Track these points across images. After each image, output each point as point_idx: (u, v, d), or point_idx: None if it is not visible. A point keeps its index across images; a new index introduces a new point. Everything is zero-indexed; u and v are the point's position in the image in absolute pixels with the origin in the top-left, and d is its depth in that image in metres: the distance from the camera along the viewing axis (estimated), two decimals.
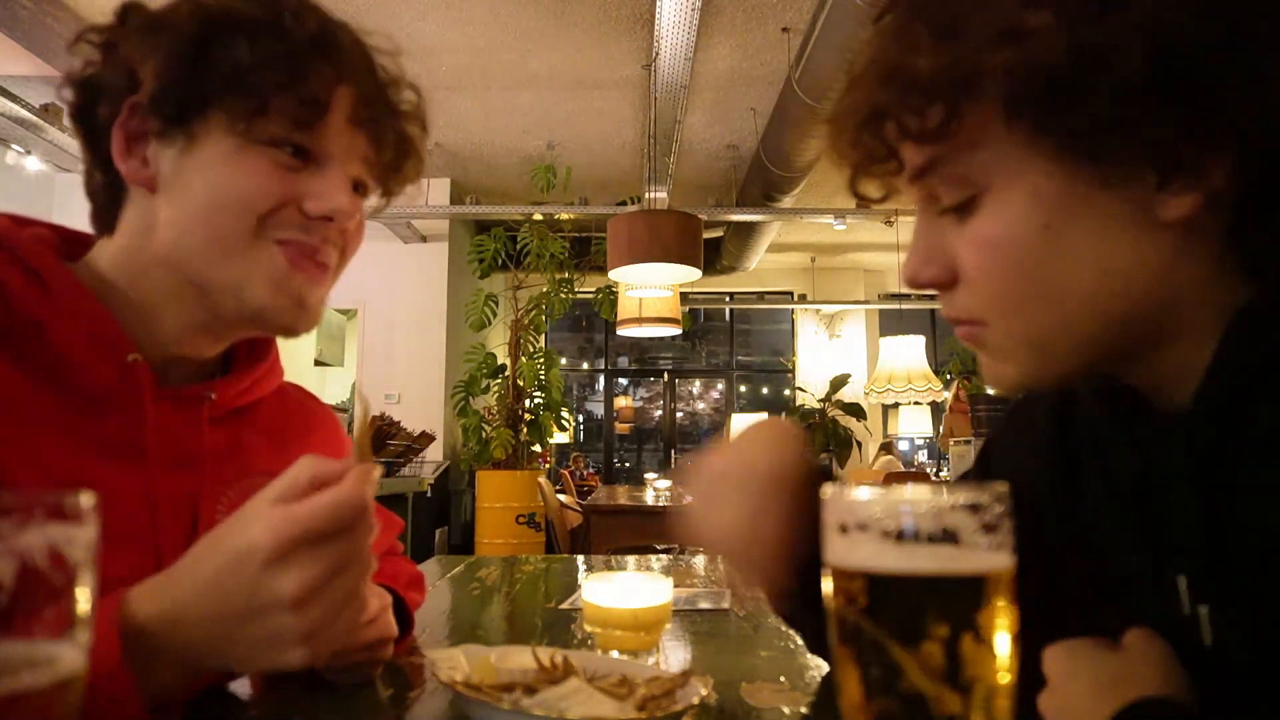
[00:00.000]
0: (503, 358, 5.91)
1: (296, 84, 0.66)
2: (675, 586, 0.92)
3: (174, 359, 0.72)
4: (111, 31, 0.68)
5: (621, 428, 10.15)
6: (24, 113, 4.25)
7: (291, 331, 0.72)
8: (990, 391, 4.37)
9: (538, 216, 5.81)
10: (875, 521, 0.38)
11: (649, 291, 4.41)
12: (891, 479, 5.75)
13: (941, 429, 5.78)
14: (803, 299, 8.52)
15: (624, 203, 5.98)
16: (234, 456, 0.75)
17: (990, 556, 0.38)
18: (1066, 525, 0.60)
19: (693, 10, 3.68)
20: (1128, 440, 0.56)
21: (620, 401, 10.09)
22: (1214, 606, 0.49)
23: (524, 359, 5.77)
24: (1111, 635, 0.54)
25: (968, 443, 4.00)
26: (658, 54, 4.09)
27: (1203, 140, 0.44)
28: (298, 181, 0.68)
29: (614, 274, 3.97)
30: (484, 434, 5.77)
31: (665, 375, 9.99)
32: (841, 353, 8.44)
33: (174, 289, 0.69)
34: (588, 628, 0.90)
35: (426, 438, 4.58)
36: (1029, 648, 0.45)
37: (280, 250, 0.68)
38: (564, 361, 8.40)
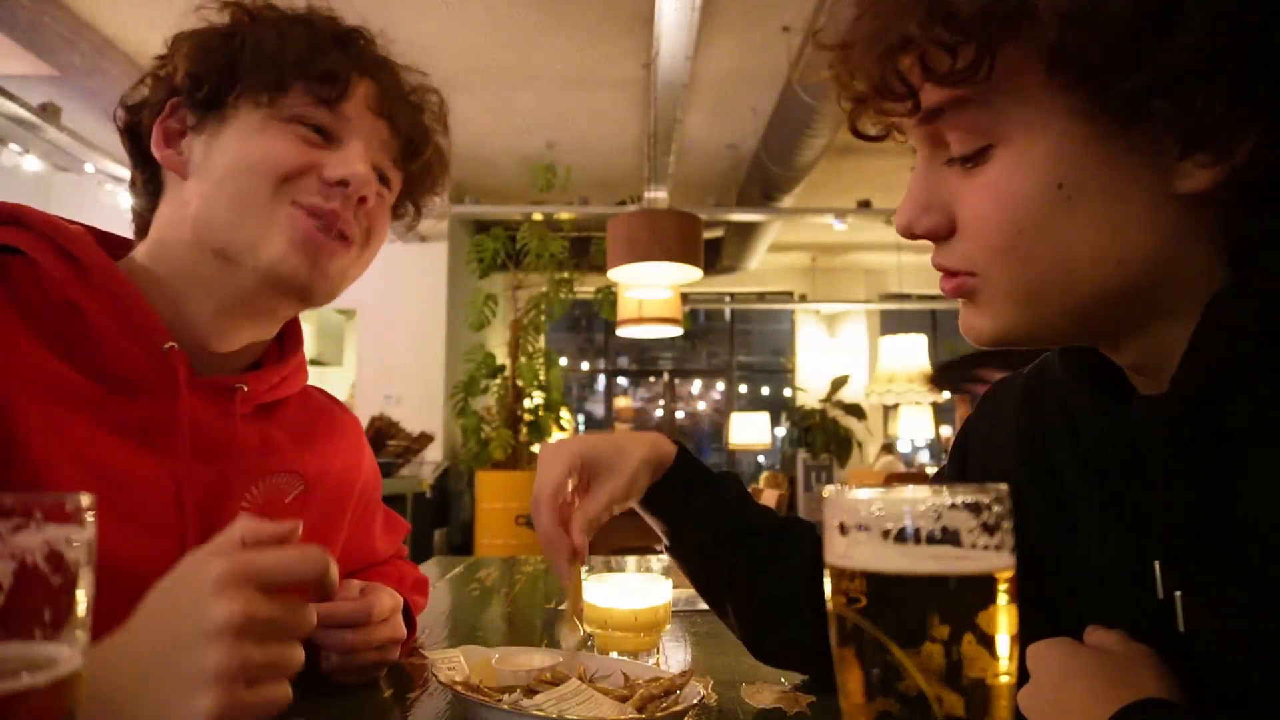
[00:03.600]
0: (502, 358, 5.90)
1: (316, 63, 0.71)
2: (675, 587, 0.92)
3: (206, 353, 0.73)
4: (161, 62, 0.75)
5: (621, 428, 10.15)
6: (22, 112, 4.25)
7: (309, 294, 0.73)
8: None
9: (537, 216, 5.80)
10: (875, 521, 0.38)
11: (649, 291, 4.40)
12: (893, 480, 5.75)
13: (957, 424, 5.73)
14: (803, 299, 8.52)
15: (624, 203, 5.98)
16: (261, 452, 0.76)
17: (990, 556, 0.38)
18: (1039, 508, 0.60)
19: (693, 10, 3.67)
20: (1105, 424, 0.55)
21: (620, 402, 10.09)
22: (1187, 592, 0.48)
23: (523, 359, 5.76)
24: (1081, 623, 0.54)
25: None
26: (657, 53, 4.09)
27: (1237, 113, 0.43)
28: (318, 155, 0.72)
29: (614, 274, 3.97)
30: (483, 434, 5.76)
31: (665, 375, 9.99)
32: (841, 353, 8.44)
33: (198, 268, 0.71)
34: (588, 629, 0.90)
35: (426, 438, 4.58)
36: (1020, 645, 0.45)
37: (298, 212, 0.71)
38: (564, 362, 8.39)
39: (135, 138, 0.76)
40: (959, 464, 0.71)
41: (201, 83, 0.71)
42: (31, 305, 0.65)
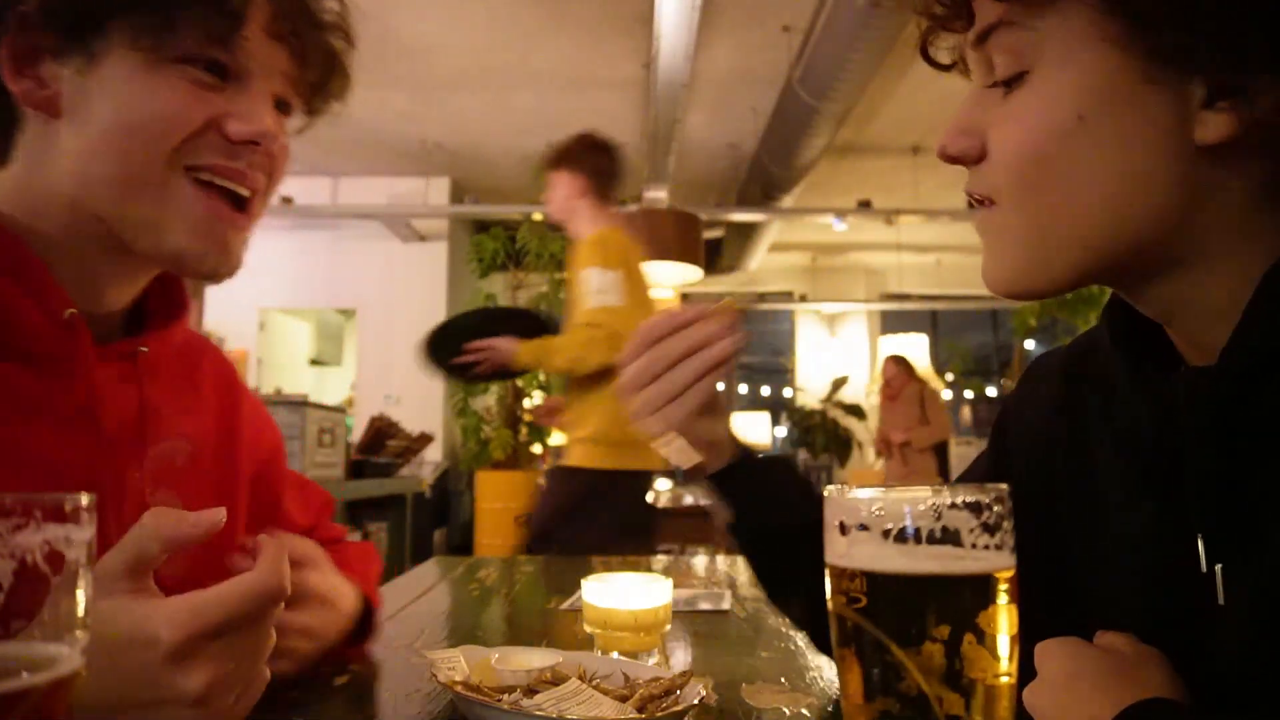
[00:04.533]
0: None
1: None
2: (675, 587, 0.92)
3: (91, 313, 0.65)
4: None
5: None
6: None
7: (215, 277, 0.67)
8: (990, 392, 4.36)
9: (537, 216, 5.80)
10: (875, 521, 0.38)
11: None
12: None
13: (878, 427, 5.52)
14: (803, 299, 8.52)
15: (624, 202, 5.97)
16: (146, 416, 0.69)
17: (990, 556, 0.38)
18: (1076, 480, 0.60)
19: (692, 10, 3.67)
20: (1148, 394, 0.54)
21: None
22: (1228, 564, 0.48)
23: None
24: (1112, 598, 0.54)
25: (968, 443, 4.00)
26: (657, 53, 4.09)
27: (1262, 60, 0.44)
28: (217, 102, 0.63)
29: None
30: (483, 435, 5.76)
31: None
32: (841, 353, 8.44)
33: (79, 226, 0.63)
34: (588, 628, 0.90)
35: (425, 438, 4.57)
36: (1029, 640, 0.45)
37: (196, 191, 0.64)
38: None
39: None
40: (999, 442, 0.71)
41: (63, 9, 0.60)
42: None
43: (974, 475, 0.72)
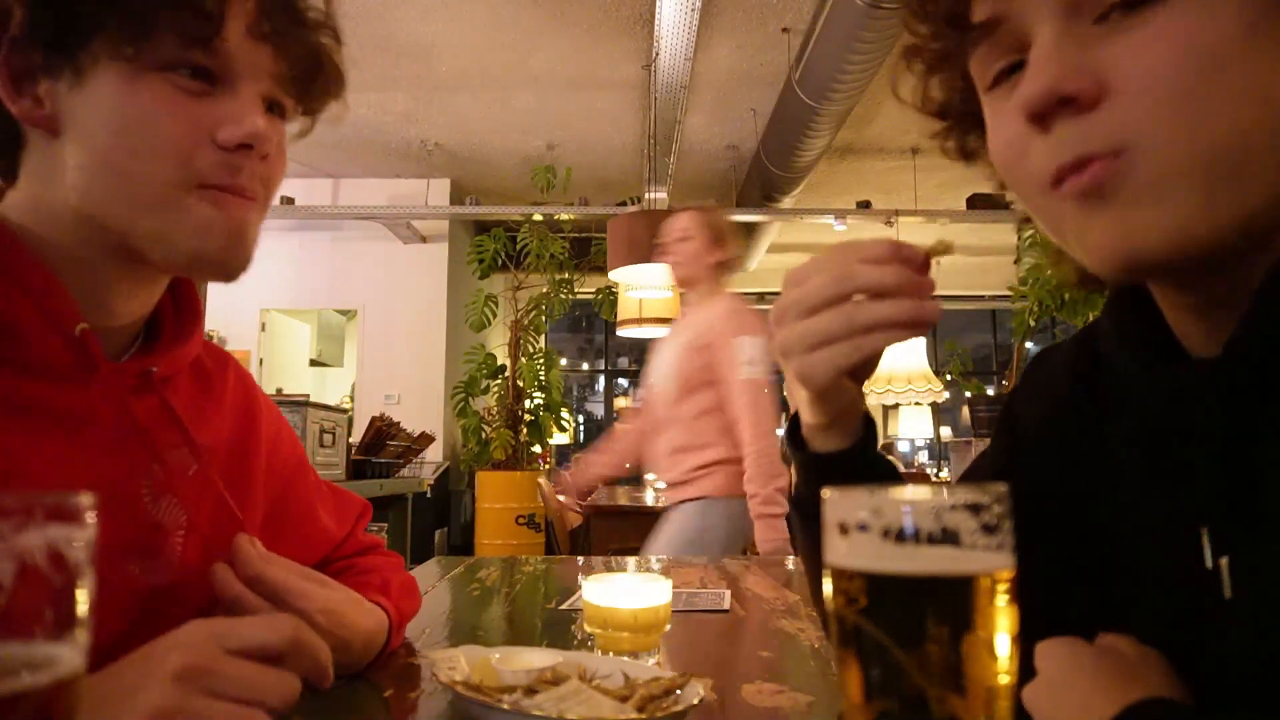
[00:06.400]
0: (503, 358, 5.91)
1: None
2: (675, 587, 0.92)
3: (104, 327, 0.66)
4: None
5: (622, 429, 10.15)
6: None
7: (230, 275, 0.67)
8: (990, 392, 4.37)
9: (538, 217, 5.81)
10: (875, 522, 0.38)
11: (649, 292, 4.40)
12: None
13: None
14: None
15: (624, 203, 5.99)
16: (160, 428, 0.69)
17: (990, 556, 0.38)
18: (1088, 474, 0.58)
19: (693, 10, 3.68)
20: (1155, 386, 0.53)
21: (620, 402, 10.08)
22: (1234, 558, 0.47)
23: (524, 359, 5.77)
24: (1127, 594, 0.53)
25: (967, 443, 4.00)
26: (658, 54, 4.09)
27: None
28: (205, 108, 0.63)
29: (614, 274, 3.97)
30: (484, 434, 5.77)
31: None
32: None
33: (88, 237, 0.64)
34: (588, 628, 0.90)
35: (426, 438, 4.57)
36: (1029, 641, 0.45)
37: (201, 198, 0.63)
38: (564, 362, 8.40)
39: None
40: (1006, 437, 0.69)
41: (45, 23, 0.60)
42: None
43: (980, 472, 0.71)
